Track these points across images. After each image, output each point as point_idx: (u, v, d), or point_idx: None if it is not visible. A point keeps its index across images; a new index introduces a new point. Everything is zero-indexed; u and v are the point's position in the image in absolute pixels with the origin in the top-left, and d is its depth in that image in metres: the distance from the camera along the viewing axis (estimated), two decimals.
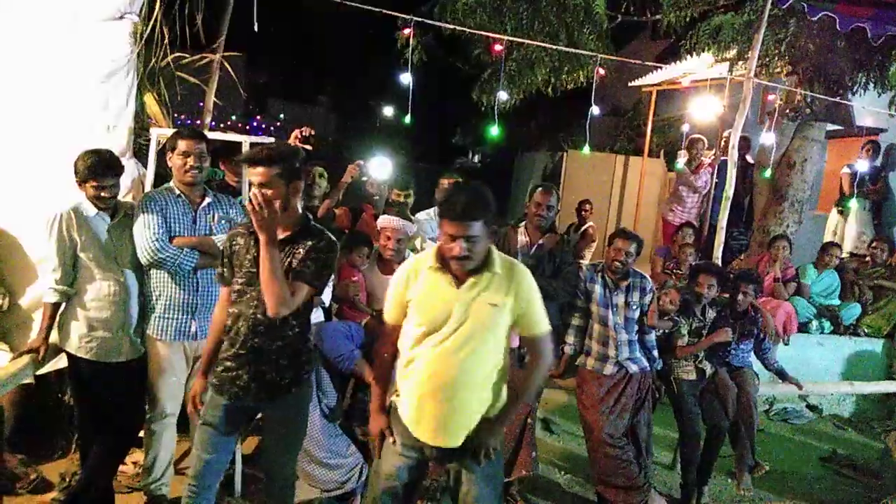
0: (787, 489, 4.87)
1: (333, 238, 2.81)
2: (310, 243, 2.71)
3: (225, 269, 2.82)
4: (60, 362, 3.49)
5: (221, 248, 2.87)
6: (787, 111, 7.25)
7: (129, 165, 4.05)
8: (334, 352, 3.73)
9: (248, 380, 2.75)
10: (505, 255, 2.69)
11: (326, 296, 3.82)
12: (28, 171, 3.62)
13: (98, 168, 3.18)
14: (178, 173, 3.37)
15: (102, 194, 3.22)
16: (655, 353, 4.33)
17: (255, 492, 3.78)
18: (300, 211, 2.78)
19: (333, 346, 3.73)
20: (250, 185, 2.66)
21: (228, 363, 2.76)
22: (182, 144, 3.34)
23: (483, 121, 7.39)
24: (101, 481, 3.39)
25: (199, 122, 5.13)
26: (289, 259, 2.69)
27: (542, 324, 2.63)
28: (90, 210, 3.26)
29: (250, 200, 2.57)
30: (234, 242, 2.79)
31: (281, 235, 2.68)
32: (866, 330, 6.52)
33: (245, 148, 4.04)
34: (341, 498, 3.79)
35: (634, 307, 4.15)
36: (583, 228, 7.66)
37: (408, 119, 5.89)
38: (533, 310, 2.61)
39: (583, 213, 7.93)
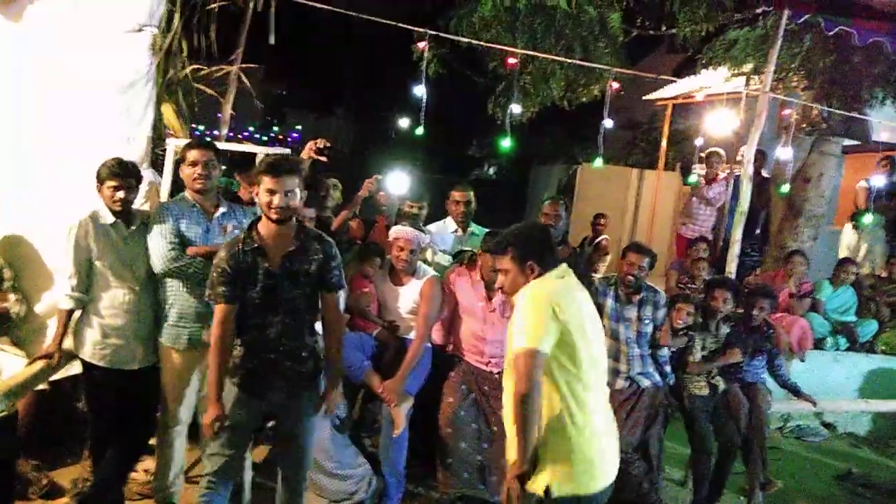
0: None
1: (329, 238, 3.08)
2: (320, 249, 2.97)
3: (226, 288, 2.87)
4: (74, 368, 3.53)
5: (220, 266, 2.91)
6: (804, 126, 7.23)
7: (147, 175, 4.11)
8: (345, 362, 3.74)
9: (278, 378, 2.97)
10: None
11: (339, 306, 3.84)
12: (47, 179, 3.69)
13: (118, 168, 3.26)
14: (189, 182, 3.42)
15: (118, 195, 3.26)
16: (668, 368, 4.30)
17: (263, 500, 3.79)
18: (295, 219, 2.97)
19: (343, 356, 3.74)
20: (271, 193, 2.79)
21: (254, 367, 2.95)
22: (191, 154, 3.38)
23: (499, 133, 7.43)
24: (112, 488, 3.42)
25: (216, 132, 5.20)
26: (306, 266, 2.92)
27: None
28: (108, 218, 3.31)
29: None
30: (241, 262, 2.87)
31: (291, 246, 2.91)
32: (883, 347, 6.44)
33: (260, 158, 4.07)
34: None
35: (647, 322, 4.13)
36: (596, 241, 7.64)
37: (420, 131, 5.91)
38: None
39: (598, 226, 7.91)
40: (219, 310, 2.90)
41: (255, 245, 2.88)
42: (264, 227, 2.91)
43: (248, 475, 3.82)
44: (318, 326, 3.15)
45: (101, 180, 3.28)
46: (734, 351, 4.42)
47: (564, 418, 2.44)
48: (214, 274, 2.89)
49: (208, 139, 4.25)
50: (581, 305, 2.59)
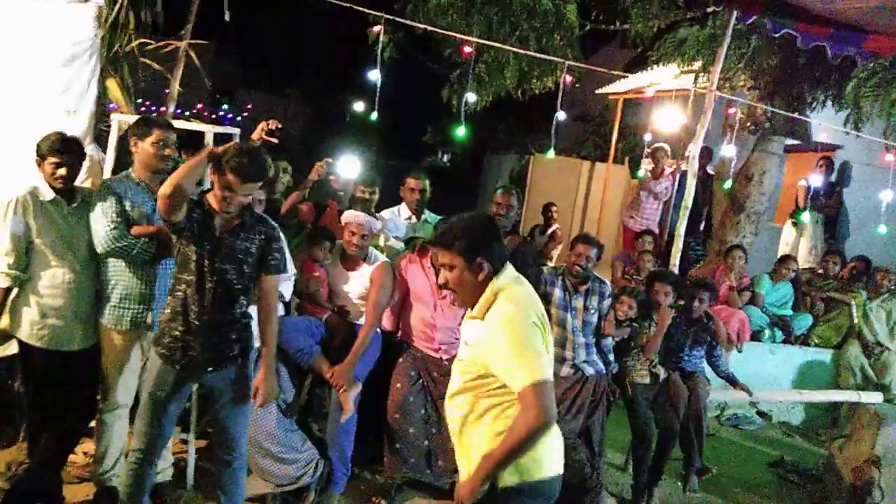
0: (735, 493, 4.99)
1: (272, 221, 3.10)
2: (263, 231, 3.00)
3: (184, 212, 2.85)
4: (10, 348, 3.43)
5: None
6: (748, 124, 7.43)
7: (90, 151, 3.99)
8: (293, 346, 3.73)
9: (199, 349, 2.94)
10: None
11: (287, 290, 3.81)
12: None
13: (59, 145, 3.16)
14: (152, 160, 3.34)
15: (60, 172, 3.17)
16: (611, 356, 4.42)
17: (207, 485, 3.75)
18: None
19: (292, 340, 3.73)
20: (231, 191, 2.81)
21: (179, 334, 2.93)
22: (156, 133, 3.31)
23: (453, 121, 7.43)
24: (48, 471, 3.34)
25: (163, 109, 5.06)
26: (247, 244, 2.96)
27: None
28: (48, 194, 3.21)
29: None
30: (194, 213, 2.89)
31: (236, 220, 2.95)
32: (816, 340, 6.70)
33: (209, 138, 4.00)
34: (296, 493, 3.79)
35: (592, 311, 4.22)
36: (550, 230, 7.75)
37: (374, 116, 5.87)
38: None
39: (548, 215, 8.01)
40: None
41: (206, 208, 2.92)
42: (213, 200, 2.92)
43: (191, 460, 3.79)
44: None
45: (41, 156, 3.18)
46: (664, 311, 4.49)
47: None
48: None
49: (154, 115, 4.16)
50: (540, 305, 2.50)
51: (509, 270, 2.44)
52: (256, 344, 3.19)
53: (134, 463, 3.02)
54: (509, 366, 2.26)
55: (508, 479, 2.34)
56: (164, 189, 2.75)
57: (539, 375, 2.22)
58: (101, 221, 3.21)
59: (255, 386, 3.08)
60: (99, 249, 3.24)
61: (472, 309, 2.44)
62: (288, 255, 3.79)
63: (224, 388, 3.06)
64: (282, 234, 3.11)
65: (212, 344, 2.96)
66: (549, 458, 2.41)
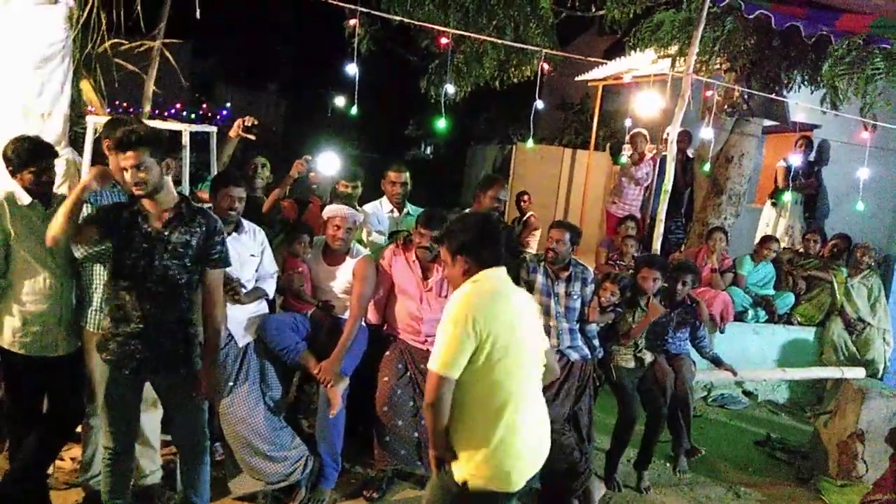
0: (723, 472, 5.05)
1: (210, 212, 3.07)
2: (203, 223, 2.93)
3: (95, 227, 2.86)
4: None
5: (106, 212, 2.91)
6: (726, 107, 7.46)
7: (66, 153, 3.95)
8: (279, 344, 3.72)
9: (146, 352, 2.90)
10: None
11: (270, 288, 3.80)
12: None
13: (36, 152, 3.12)
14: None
15: (43, 178, 3.14)
16: (596, 341, 4.44)
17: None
18: (174, 190, 2.94)
19: (278, 338, 3.72)
20: (124, 170, 2.75)
21: (124, 339, 2.88)
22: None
23: (434, 113, 7.41)
24: (32, 477, 3.31)
25: (139, 109, 5.02)
26: (187, 237, 2.88)
27: None
28: (24, 199, 3.17)
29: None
30: (118, 216, 2.86)
31: (166, 216, 2.86)
32: (799, 319, 6.77)
33: (185, 137, 3.98)
34: (286, 490, 3.79)
35: (575, 297, 4.24)
36: (525, 218, 7.75)
37: (354, 110, 5.84)
38: None
39: (521, 204, 8.00)
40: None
41: (135, 207, 2.86)
42: (144, 200, 2.87)
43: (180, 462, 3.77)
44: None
45: (17, 166, 3.12)
46: (654, 306, 4.51)
47: (493, 419, 2.49)
48: (90, 213, 2.91)
49: (128, 116, 4.12)
50: (516, 309, 2.60)
51: (496, 272, 2.60)
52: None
53: (108, 458, 3.06)
54: (436, 343, 2.48)
55: (478, 482, 2.51)
56: (50, 235, 2.81)
57: (442, 370, 2.43)
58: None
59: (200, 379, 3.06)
60: (76, 254, 3.20)
61: None
62: (270, 254, 3.78)
63: (175, 386, 3.06)
64: (221, 226, 3.06)
65: (159, 346, 2.92)
66: (526, 465, 2.61)
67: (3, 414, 3.64)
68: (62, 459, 3.71)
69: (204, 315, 3.06)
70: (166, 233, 2.86)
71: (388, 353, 4.03)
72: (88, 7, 4.25)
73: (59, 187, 3.62)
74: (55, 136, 3.71)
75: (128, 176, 2.74)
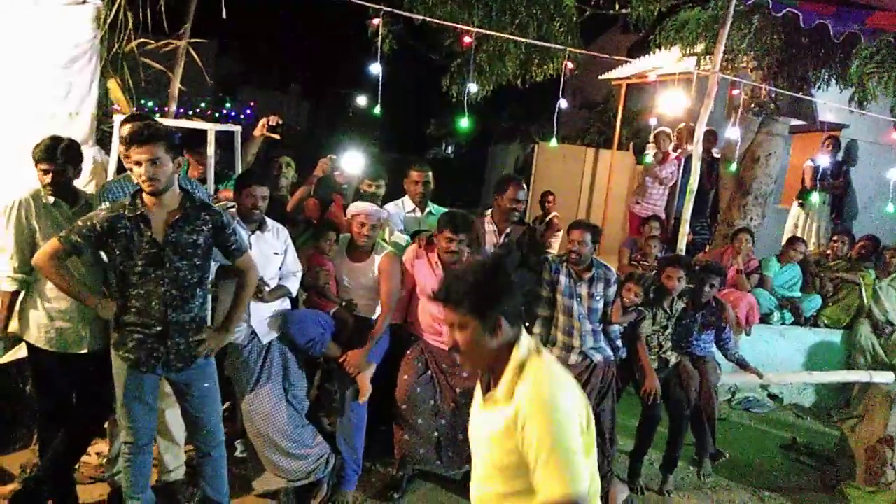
0: (747, 476, 4.98)
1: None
2: (209, 219, 2.94)
3: (81, 241, 2.81)
4: (21, 352, 3.44)
5: (92, 221, 2.85)
6: (752, 106, 7.37)
7: (92, 153, 4.00)
8: (305, 336, 3.69)
9: (165, 352, 2.95)
10: None
11: (294, 286, 3.80)
12: None
13: (45, 150, 3.14)
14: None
15: (46, 178, 3.16)
16: (619, 342, 4.40)
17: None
18: (178, 189, 2.92)
19: (303, 331, 3.70)
20: (137, 164, 2.75)
21: (141, 339, 2.91)
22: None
23: (456, 112, 7.41)
24: (61, 472, 3.36)
25: (165, 109, 5.07)
26: (193, 237, 2.89)
27: None
28: (49, 197, 3.21)
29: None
30: (120, 227, 2.82)
31: (176, 215, 2.86)
32: (826, 321, 6.66)
33: (210, 136, 4.01)
34: (308, 488, 3.80)
35: (598, 298, 4.20)
36: (548, 218, 7.72)
37: (378, 110, 5.85)
38: None
39: (546, 204, 7.97)
40: (53, 244, 2.82)
41: (139, 212, 2.83)
42: (148, 197, 2.85)
43: None
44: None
45: (34, 164, 3.17)
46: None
47: None
48: (81, 223, 2.83)
49: (155, 115, 4.16)
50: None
51: (526, 337, 2.00)
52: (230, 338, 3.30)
53: (127, 453, 3.09)
54: (539, 466, 1.82)
55: None
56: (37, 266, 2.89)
57: (574, 488, 1.78)
58: None
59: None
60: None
61: (482, 383, 2.08)
62: (293, 252, 3.79)
63: (192, 381, 3.11)
64: (228, 218, 3.08)
65: (174, 344, 2.97)
66: None
67: (32, 409, 3.70)
68: (88, 454, 3.75)
69: (236, 294, 3.18)
70: (174, 234, 2.86)
71: (409, 352, 4.03)
72: (115, 7, 4.30)
73: (86, 185, 3.66)
74: (83, 135, 3.76)
75: (141, 170, 2.74)
